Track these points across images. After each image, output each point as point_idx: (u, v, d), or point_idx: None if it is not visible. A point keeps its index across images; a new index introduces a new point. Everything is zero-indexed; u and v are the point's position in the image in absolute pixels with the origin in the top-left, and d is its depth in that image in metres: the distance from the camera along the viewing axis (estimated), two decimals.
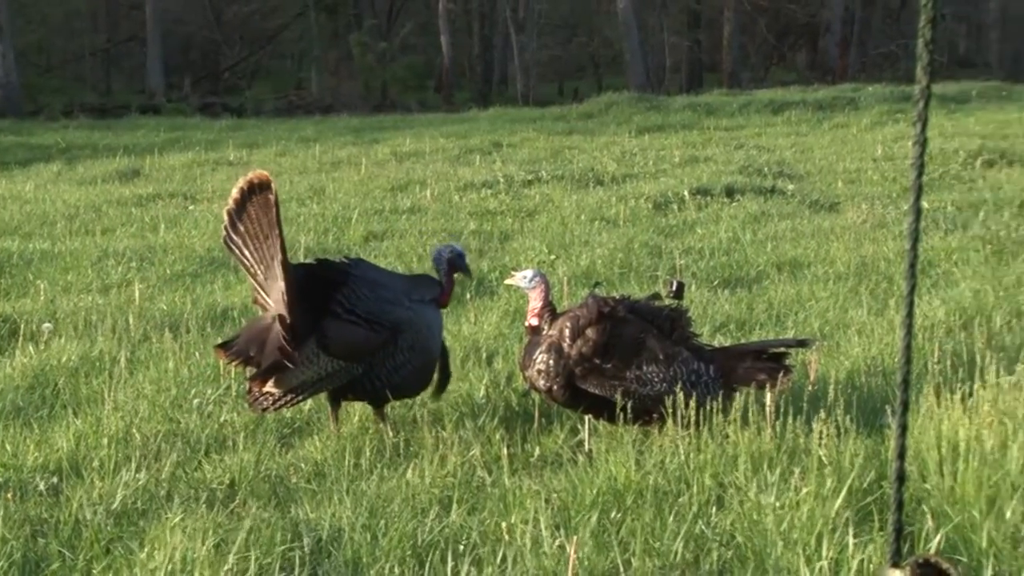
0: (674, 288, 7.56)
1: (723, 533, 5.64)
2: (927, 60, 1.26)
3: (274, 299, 6.85)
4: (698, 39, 48.84)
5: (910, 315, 1.39)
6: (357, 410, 7.43)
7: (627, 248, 12.49)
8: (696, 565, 5.36)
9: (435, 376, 7.01)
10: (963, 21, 49.92)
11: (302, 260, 9.05)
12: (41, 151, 24.09)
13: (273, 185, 6.85)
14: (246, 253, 6.89)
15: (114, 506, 5.96)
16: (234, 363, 6.95)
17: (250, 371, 6.94)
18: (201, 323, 9.26)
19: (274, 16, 51.61)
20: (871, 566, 5.17)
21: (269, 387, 6.75)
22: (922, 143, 1.16)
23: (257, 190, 6.78)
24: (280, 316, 6.63)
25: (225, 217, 6.92)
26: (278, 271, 6.73)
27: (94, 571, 5.28)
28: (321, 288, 6.84)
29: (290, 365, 6.65)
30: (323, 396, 7.15)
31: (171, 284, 10.85)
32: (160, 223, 14.02)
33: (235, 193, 6.78)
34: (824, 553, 5.26)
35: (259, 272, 6.80)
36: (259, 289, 6.91)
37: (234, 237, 6.82)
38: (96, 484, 6.20)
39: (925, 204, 13.95)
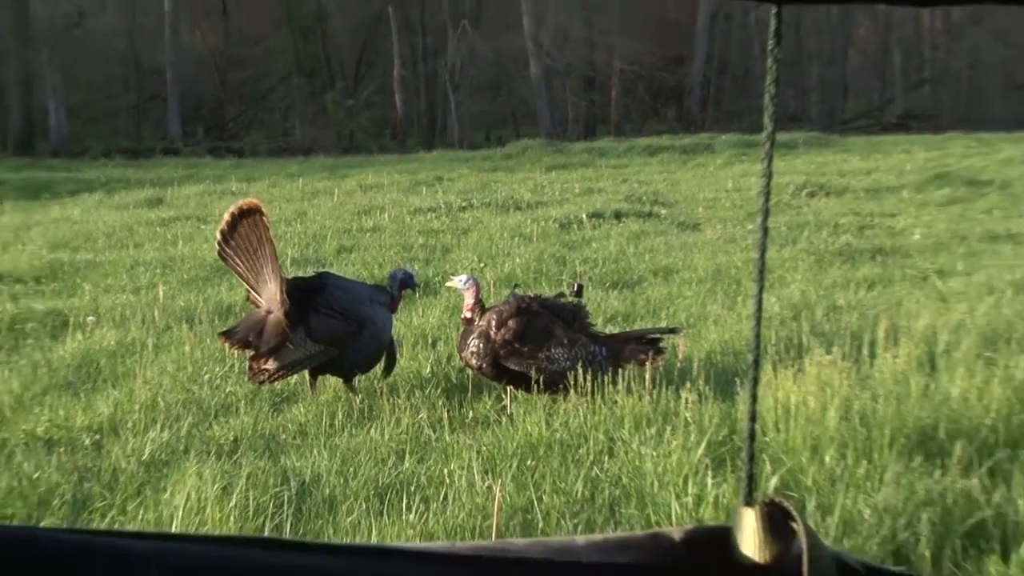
0: (575, 289, 7.88)
1: (613, 476, 5.91)
2: (772, 110, 1.34)
3: (266, 298, 7.13)
4: (592, 98, 51.29)
5: (759, 309, 1.42)
6: (331, 383, 7.61)
7: (539, 258, 12.81)
8: (592, 500, 5.63)
9: (383, 359, 7.27)
10: (791, 86, 52.28)
11: (288, 269, 9.46)
12: (86, 184, 24.70)
13: (263, 209, 7.17)
14: (238, 262, 7.17)
15: (144, 457, 6.24)
16: (235, 347, 7.20)
17: (249, 353, 7.14)
18: (211, 316, 9.60)
19: (266, 79, 55.13)
20: (724, 500, 5.42)
21: (266, 364, 7.02)
22: (769, 175, 1.32)
23: (247, 214, 7.09)
24: (284, 309, 6.89)
25: (218, 235, 7.19)
26: (269, 276, 7.05)
27: (128, 508, 5.54)
28: (302, 293, 7.05)
29: (290, 346, 6.95)
30: (304, 373, 7.33)
31: (187, 286, 11.21)
32: (179, 239, 14.62)
33: (227, 216, 7.12)
34: (689, 490, 5.51)
35: (250, 277, 7.10)
36: (251, 290, 7.20)
37: (227, 250, 7.09)
38: (130, 440, 6.49)
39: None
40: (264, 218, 7.21)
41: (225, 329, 7.57)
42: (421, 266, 12.34)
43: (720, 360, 8.10)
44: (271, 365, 7.13)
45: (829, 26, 52.89)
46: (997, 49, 49.97)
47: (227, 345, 7.42)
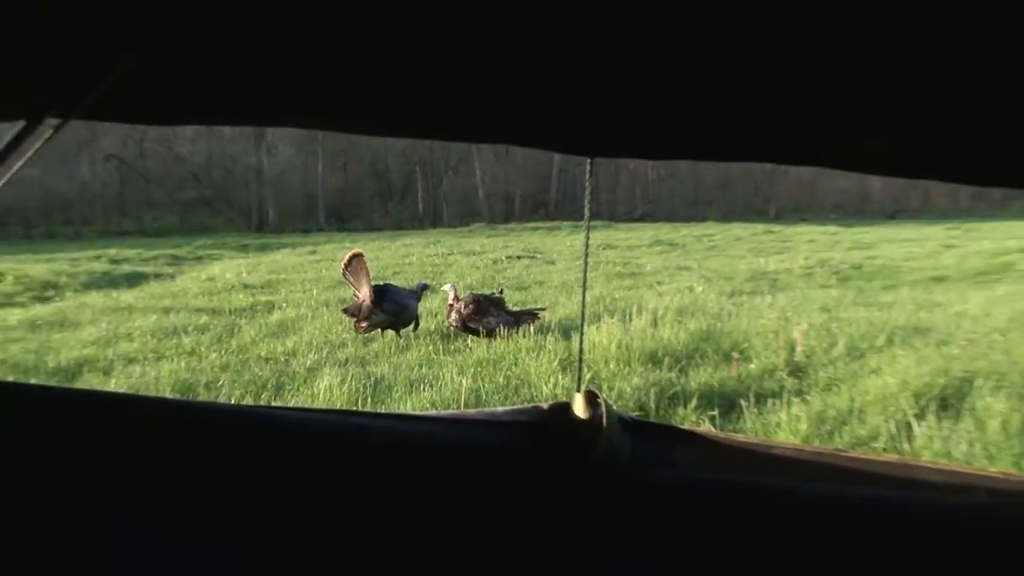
0: (500, 291, 9.59)
1: (516, 376, 7.06)
2: (587, 221, 1.62)
3: (363, 294, 9.00)
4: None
5: (584, 297, 1.94)
6: (388, 335, 8.95)
7: (483, 278, 15.08)
8: (507, 387, 6.79)
9: (413, 323, 9.06)
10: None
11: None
12: (287, 244, 26.28)
13: (363, 253, 9.34)
14: (350, 278, 9.27)
15: (308, 366, 7.66)
16: (348, 317, 9.16)
17: (354, 320, 9.07)
18: (336, 303, 10.98)
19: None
20: (565, 387, 6.58)
21: (362, 324, 8.93)
22: (587, 239, 1.67)
23: (357, 256, 9.20)
24: (371, 299, 8.90)
25: (341, 265, 9.35)
26: (364, 284, 9.07)
27: (301, 390, 6.77)
28: (377, 292, 8.95)
29: (373, 317, 8.90)
30: (379, 329, 9.05)
31: (325, 290, 12.55)
32: (322, 269, 16.41)
33: (346, 257, 9.32)
34: (554, 381, 6.80)
35: (355, 285, 9.20)
36: (356, 291, 9.21)
37: (346, 272, 9.30)
38: (302, 359, 7.92)
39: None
40: (364, 258, 9.21)
41: (344, 307, 9.48)
42: (428, 279, 13.45)
43: (566, 323, 9.37)
44: (364, 325, 8.89)
45: None
46: None
47: (344, 316, 9.28)
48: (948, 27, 0.96)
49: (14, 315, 10.68)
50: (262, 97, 1.26)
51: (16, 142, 1.11)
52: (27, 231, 38.84)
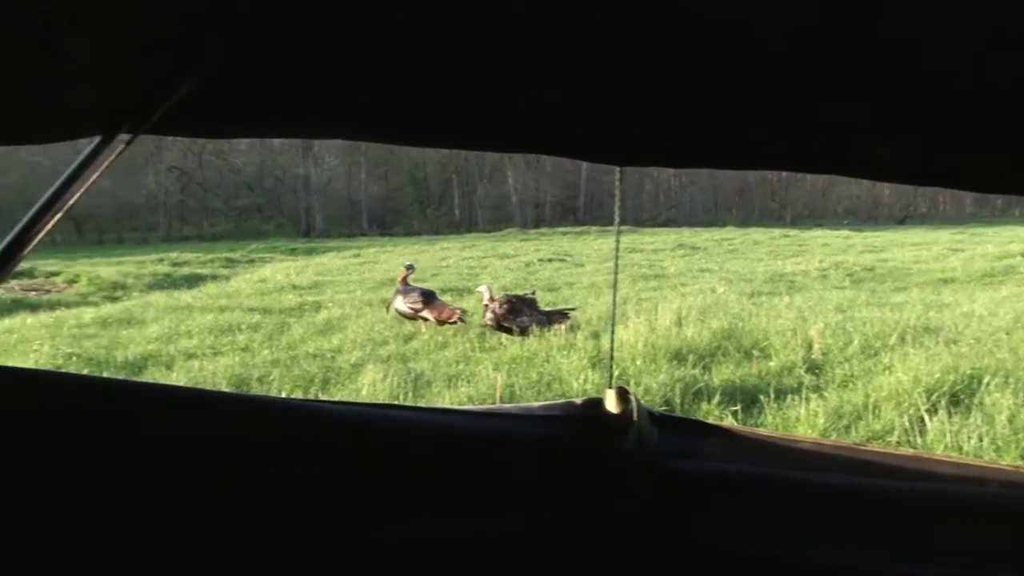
0: (532, 292, 9.67)
1: (548, 372, 7.09)
2: (617, 228, 1.58)
3: (403, 292, 9.52)
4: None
5: (615, 296, 1.82)
6: (428, 327, 9.10)
7: (516, 279, 14.87)
8: (540, 383, 6.69)
9: None
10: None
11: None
12: (333, 248, 25.89)
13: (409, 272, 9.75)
14: (400, 285, 9.70)
15: (352, 362, 7.59)
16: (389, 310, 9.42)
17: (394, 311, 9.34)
18: (377, 303, 11.11)
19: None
20: (594, 383, 6.54)
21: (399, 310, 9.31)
22: (617, 245, 1.64)
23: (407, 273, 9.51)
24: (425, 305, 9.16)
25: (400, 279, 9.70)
26: (405, 287, 9.50)
27: (346, 384, 6.79)
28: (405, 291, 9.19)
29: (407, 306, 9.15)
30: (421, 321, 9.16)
31: (368, 291, 12.88)
32: (364, 271, 16.52)
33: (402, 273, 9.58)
34: (584, 378, 6.75)
35: (402, 288, 9.53)
36: (401, 293, 9.57)
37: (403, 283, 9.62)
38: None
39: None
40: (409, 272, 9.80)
41: (388, 306, 9.73)
42: (464, 281, 14.03)
43: (594, 323, 9.26)
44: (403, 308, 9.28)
45: None
46: None
47: (387, 311, 9.63)
48: (955, 41, 0.96)
49: (88, 313, 10.90)
50: (313, 112, 1.28)
51: (93, 156, 1.14)
52: (99, 236, 39.62)
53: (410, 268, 10.06)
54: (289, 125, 1.42)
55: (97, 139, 1.17)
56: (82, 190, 1.16)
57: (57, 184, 1.15)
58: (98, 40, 0.95)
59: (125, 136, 1.19)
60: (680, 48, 1.03)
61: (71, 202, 1.18)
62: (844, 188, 51.34)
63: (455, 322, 9.08)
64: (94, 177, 1.14)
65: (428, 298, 9.50)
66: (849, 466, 1.52)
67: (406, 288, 9.66)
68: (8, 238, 1.16)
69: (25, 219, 1.16)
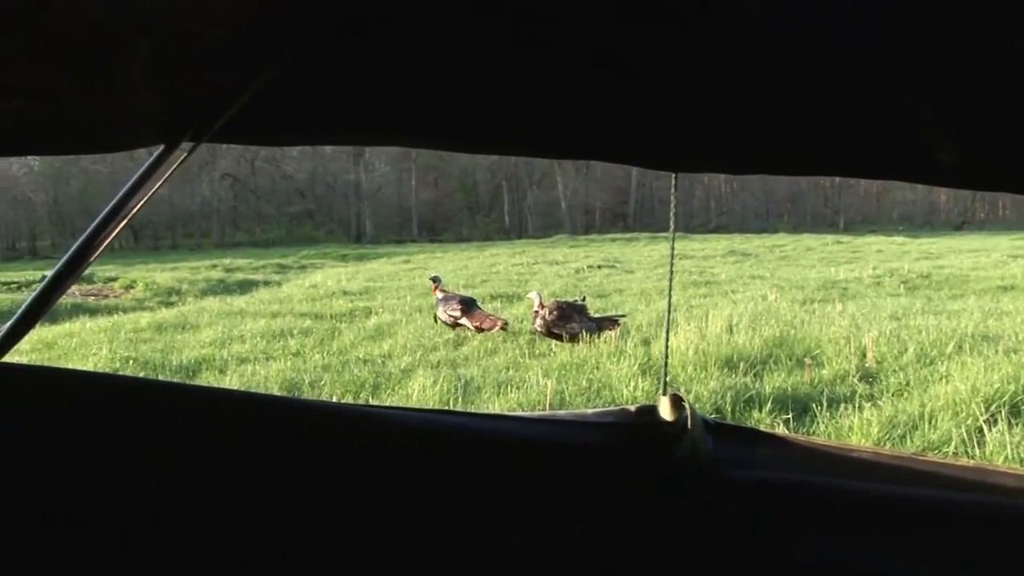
0: (582, 298, 9.55)
1: (599, 379, 7.07)
2: (673, 235, 1.59)
3: (444, 299, 9.62)
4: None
5: (669, 301, 1.68)
6: (478, 341, 9.04)
7: (566, 286, 14.85)
8: (589, 390, 6.68)
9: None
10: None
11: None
12: (383, 255, 26.94)
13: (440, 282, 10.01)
14: (437, 293, 9.84)
15: (404, 367, 7.65)
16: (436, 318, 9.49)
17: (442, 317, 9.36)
18: (426, 310, 11.05)
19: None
20: (645, 390, 6.57)
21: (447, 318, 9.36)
22: (672, 251, 1.63)
23: (436, 280, 9.81)
24: (453, 304, 9.36)
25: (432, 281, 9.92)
26: (445, 295, 9.57)
27: (396, 389, 6.78)
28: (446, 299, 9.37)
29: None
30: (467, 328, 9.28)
31: (418, 297, 12.94)
32: (415, 277, 16.64)
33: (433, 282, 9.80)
34: (634, 385, 6.74)
35: (439, 297, 9.70)
36: (441, 302, 9.66)
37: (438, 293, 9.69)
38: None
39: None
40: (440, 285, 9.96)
41: (434, 315, 9.70)
42: (514, 288, 14.18)
43: (644, 329, 9.28)
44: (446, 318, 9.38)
45: None
46: None
47: (434, 320, 9.74)
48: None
49: (144, 318, 11.21)
50: (374, 119, 1.31)
51: (156, 164, 1.16)
52: (155, 242, 40.55)
53: (436, 280, 10.22)
54: (350, 132, 1.43)
55: (160, 148, 1.19)
56: (145, 199, 1.18)
57: (121, 193, 1.18)
58: (162, 49, 0.97)
59: (187, 145, 1.20)
60: (739, 51, 1.03)
61: (135, 210, 1.21)
62: (899, 193, 50.43)
63: (495, 331, 9.09)
64: (157, 186, 1.17)
65: (467, 306, 9.54)
66: (909, 477, 1.47)
67: (445, 296, 9.77)
68: (74, 246, 1.19)
69: (90, 227, 1.20)
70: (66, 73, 0.98)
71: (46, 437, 1.24)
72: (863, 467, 1.51)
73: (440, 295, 9.73)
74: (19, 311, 1.25)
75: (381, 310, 11.58)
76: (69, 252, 1.21)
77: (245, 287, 16.50)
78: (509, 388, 6.77)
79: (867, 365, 7.32)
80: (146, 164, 1.15)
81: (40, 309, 1.23)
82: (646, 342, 8.39)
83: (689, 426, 1.47)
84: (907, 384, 6.74)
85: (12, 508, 1.22)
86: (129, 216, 1.20)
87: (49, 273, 1.26)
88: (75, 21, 0.88)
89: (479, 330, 9.15)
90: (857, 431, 5.60)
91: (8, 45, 0.90)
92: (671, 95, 1.18)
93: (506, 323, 9.29)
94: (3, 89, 1.00)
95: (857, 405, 6.10)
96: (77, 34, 0.91)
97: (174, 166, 1.21)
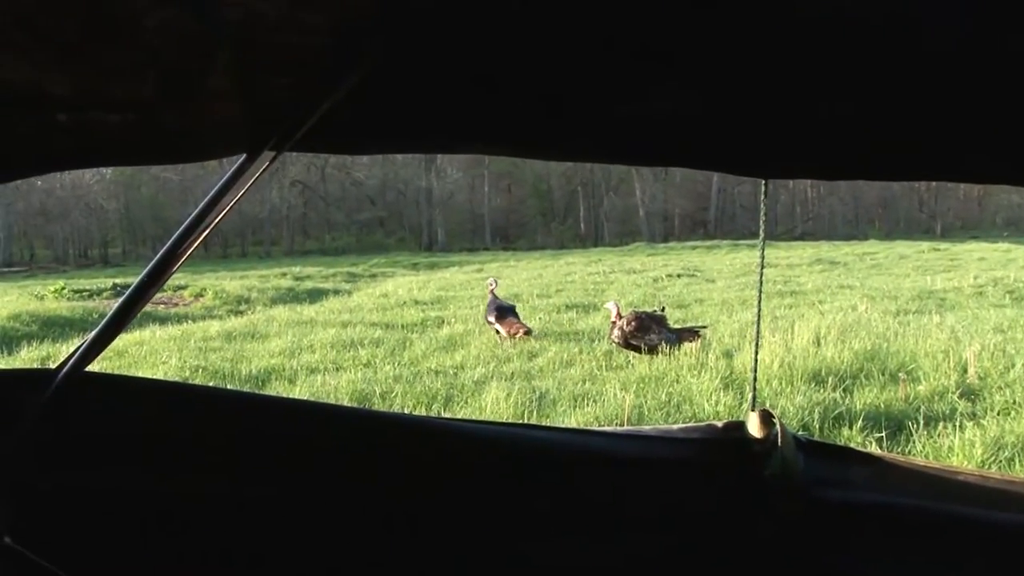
0: (662, 308, 9.57)
1: (678, 393, 7.04)
2: (762, 242, 1.64)
3: (497, 310, 9.88)
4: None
5: (759, 311, 1.73)
6: (553, 350, 8.99)
7: (644, 295, 14.97)
8: (669, 403, 6.67)
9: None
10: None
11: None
12: (454, 263, 27.39)
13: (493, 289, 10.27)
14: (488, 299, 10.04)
15: (476, 379, 7.74)
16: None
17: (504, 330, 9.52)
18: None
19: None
20: (727, 405, 6.58)
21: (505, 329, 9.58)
22: (762, 260, 1.61)
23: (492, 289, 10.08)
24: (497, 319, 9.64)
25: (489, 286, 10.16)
26: (496, 304, 9.89)
27: (480, 397, 6.92)
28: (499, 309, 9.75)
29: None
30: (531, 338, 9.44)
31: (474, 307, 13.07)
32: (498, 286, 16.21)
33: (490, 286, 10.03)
34: (716, 399, 6.71)
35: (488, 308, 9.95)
36: (492, 315, 9.93)
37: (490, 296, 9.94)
38: (483, 368, 8.21)
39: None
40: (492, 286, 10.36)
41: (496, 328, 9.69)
42: (590, 297, 14.23)
43: (726, 340, 9.26)
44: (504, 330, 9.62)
45: None
46: None
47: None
48: None
49: (213, 327, 11.42)
50: (449, 126, 1.32)
51: (238, 173, 1.20)
52: (225, 250, 41.59)
53: (492, 283, 10.70)
54: (430, 140, 1.47)
55: (242, 157, 1.24)
56: (227, 208, 1.22)
57: (204, 202, 1.22)
58: (247, 59, 1.01)
59: (268, 154, 1.24)
60: (831, 55, 1.04)
61: (217, 220, 1.26)
62: (1003, 197, 48.79)
63: (520, 336, 9.61)
64: (239, 195, 1.21)
65: (502, 312, 9.98)
66: (1019, 503, 1.43)
67: (491, 301, 10.20)
68: (158, 256, 1.24)
69: (173, 237, 1.24)
70: (157, 86, 1.02)
71: (128, 445, 1.30)
72: (969, 491, 1.48)
73: (492, 298, 10.18)
74: (103, 321, 1.31)
75: (453, 320, 11.69)
76: (152, 262, 1.26)
77: (315, 296, 16.77)
78: (585, 401, 6.77)
79: (968, 381, 7.10)
80: (227, 174, 1.20)
81: (124, 319, 1.28)
82: (728, 355, 8.31)
83: (779, 443, 1.48)
84: (1014, 402, 6.49)
85: (97, 516, 1.27)
86: (212, 226, 1.25)
87: (132, 283, 1.32)
88: (167, 35, 0.92)
89: (511, 336, 9.64)
90: (958, 452, 5.43)
91: (107, 61, 0.95)
92: (762, 101, 1.18)
93: (529, 330, 9.76)
94: (103, 104, 1.06)
95: (958, 424, 5.93)
96: (168, 48, 0.94)
97: (256, 176, 1.24)
